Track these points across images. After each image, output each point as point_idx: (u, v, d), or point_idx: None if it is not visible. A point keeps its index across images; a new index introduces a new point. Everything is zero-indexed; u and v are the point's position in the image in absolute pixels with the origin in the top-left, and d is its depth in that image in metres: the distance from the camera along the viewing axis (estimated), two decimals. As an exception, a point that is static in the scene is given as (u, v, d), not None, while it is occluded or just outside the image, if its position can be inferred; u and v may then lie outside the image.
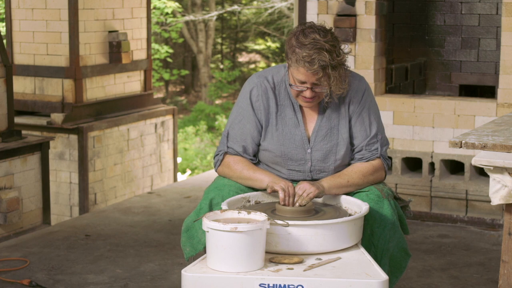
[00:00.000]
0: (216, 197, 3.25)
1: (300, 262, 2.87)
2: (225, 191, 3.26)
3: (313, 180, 3.32)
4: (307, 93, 3.17)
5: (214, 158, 3.42)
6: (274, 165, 3.34)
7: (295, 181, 3.34)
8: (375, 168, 3.31)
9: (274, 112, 3.30)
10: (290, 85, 3.21)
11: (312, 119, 3.32)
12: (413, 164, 5.86)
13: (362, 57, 5.79)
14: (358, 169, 3.28)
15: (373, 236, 3.20)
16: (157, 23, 17.59)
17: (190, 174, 14.33)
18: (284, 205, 3.10)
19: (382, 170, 3.34)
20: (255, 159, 3.38)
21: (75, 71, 7.25)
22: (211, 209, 3.21)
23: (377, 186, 3.29)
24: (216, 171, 3.42)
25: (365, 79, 3.45)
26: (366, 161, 3.31)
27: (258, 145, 3.35)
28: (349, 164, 3.35)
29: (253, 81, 3.34)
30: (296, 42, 3.12)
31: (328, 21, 5.83)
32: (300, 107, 3.31)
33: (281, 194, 3.11)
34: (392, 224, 3.20)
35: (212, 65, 20.26)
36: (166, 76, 18.61)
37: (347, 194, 3.30)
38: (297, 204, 3.10)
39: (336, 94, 3.22)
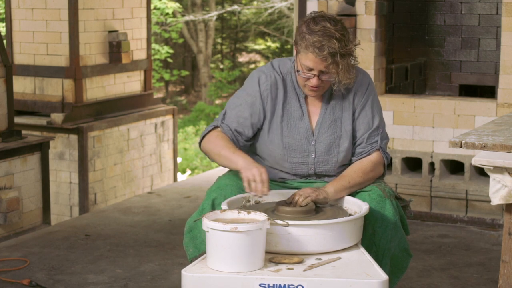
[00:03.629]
0: (219, 197, 3.24)
1: (300, 262, 2.87)
2: (227, 191, 3.26)
3: (316, 174, 3.34)
4: (314, 81, 3.17)
5: (203, 131, 3.38)
6: (276, 159, 3.33)
7: (298, 175, 3.35)
8: (374, 164, 3.31)
9: (281, 103, 3.30)
10: (298, 71, 3.21)
11: (316, 111, 3.33)
12: (413, 164, 5.86)
13: (362, 57, 5.79)
14: (357, 168, 3.28)
15: (375, 236, 3.20)
16: (157, 23, 17.59)
17: (190, 174, 14.33)
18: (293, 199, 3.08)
19: (381, 165, 3.34)
20: (247, 144, 3.36)
21: (75, 71, 7.25)
22: (213, 209, 3.20)
23: (379, 186, 3.29)
24: (199, 143, 3.35)
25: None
26: (367, 155, 3.32)
27: (252, 134, 3.33)
28: (351, 160, 3.35)
29: (263, 71, 3.33)
30: (306, 28, 3.13)
31: (328, 21, 5.82)
32: (305, 99, 3.31)
33: (244, 183, 3.08)
34: (394, 224, 3.20)
35: (212, 65, 20.26)
36: (166, 76, 18.61)
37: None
38: (299, 201, 3.09)
39: (343, 84, 3.22)
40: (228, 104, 3.38)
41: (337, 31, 3.11)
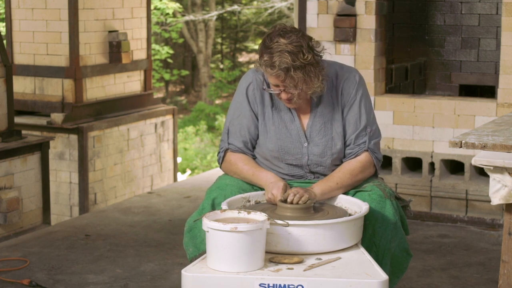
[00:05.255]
0: (219, 196, 3.25)
1: (300, 262, 2.87)
2: (227, 191, 3.27)
3: (311, 172, 3.35)
4: (283, 95, 3.22)
5: (217, 155, 3.45)
6: (273, 160, 3.35)
7: (294, 176, 3.36)
8: (363, 165, 3.31)
9: (269, 106, 3.33)
10: (264, 88, 3.27)
11: (306, 115, 3.34)
12: (413, 164, 5.86)
13: (362, 57, 5.79)
14: (346, 170, 3.29)
15: (375, 236, 3.20)
16: (157, 23, 17.59)
17: (190, 174, 14.33)
18: (287, 201, 3.10)
19: (371, 165, 3.34)
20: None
21: (75, 71, 7.25)
22: (213, 209, 3.21)
23: (379, 186, 3.29)
24: (220, 168, 3.47)
25: (365, 78, 3.45)
26: (355, 156, 3.32)
27: (257, 139, 3.37)
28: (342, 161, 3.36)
29: (249, 76, 3.38)
30: (262, 46, 3.18)
31: (328, 21, 5.83)
32: None
33: (290, 198, 3.11)
34: (394, 224, 3.20)
35: (212, 65, 20.26)
36: (167, 76, 18.61)
37: (348, 194, 3.30)
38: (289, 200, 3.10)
39: (314, 93, 3.23)
40: (227, 118, 3.43)
41: (290, 43, 3.11)
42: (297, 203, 3.08)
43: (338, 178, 3.26)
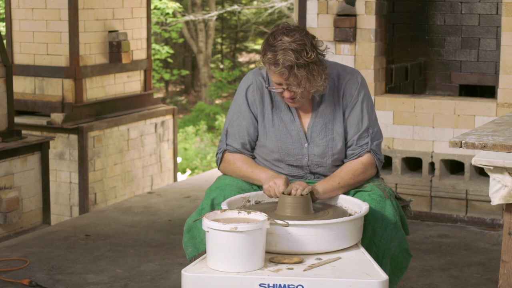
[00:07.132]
0: (218, 197, 3.25)
1: (300, 262, 2.87)
2: (227, 191, 3.27)
3: (311, 173, 3.35)
4: (285, 94, 3.22)
5: (215, 156, 3.46)
6: (274, 161, 3.36)
7: (294, 177, 3.36)
8: (365, 166, 3.31)
9: (269, 107, 3.33)
10: (267, 87, 3.27)
11: (307, 116, 3.34)
12: (413, 164, 5.86)
13: (362, 57, 5.79)
14: (348, 170, 3.29)
15: (375, 236, 3.20)
16: (157, 23, 17.59)
17: (190, 174, 14.33)
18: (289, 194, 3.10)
19: (372, 166, 3.34)
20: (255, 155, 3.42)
21: (75, 71, 7.25)
22: (212, 209, 3.22)
23: (379, 186, 3.29)
24: (218, 169, 3.46)
25: (365, 78, 3.45)
26: (357, 157, 3.32)
27: (256, 140, 3.37)
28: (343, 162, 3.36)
29: (249, 78, 3.38)
30: (266, 44, 3.18)
31: (328, 21, 5.83)
32: None
33: (293, 191, 3.11)
34: (394, 224, 3.21)
35: (212, 65, 20.26)
36: (167, 76, 18.61)
37: (348, 194, 3.30)
38: (294, 192, 3.09)
39: (316, 92, 3.23)
40: (226, 120, 3.44)
41: (294, 42, 3.11)
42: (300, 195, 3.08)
43: (340, 178, 3.26)
